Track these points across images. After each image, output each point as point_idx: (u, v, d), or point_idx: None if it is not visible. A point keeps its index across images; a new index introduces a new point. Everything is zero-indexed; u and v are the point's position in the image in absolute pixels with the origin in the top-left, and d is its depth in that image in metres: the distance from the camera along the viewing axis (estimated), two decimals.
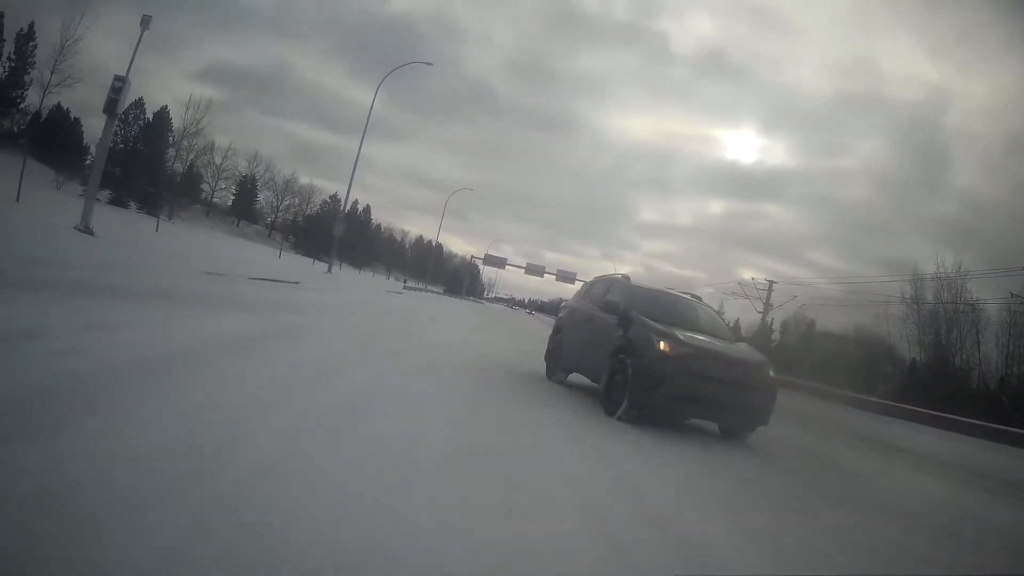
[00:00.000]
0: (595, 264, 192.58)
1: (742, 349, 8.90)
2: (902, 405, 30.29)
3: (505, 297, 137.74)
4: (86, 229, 17.47)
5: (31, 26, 59.18)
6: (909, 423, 25.79)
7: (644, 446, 6.66)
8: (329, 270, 37.07)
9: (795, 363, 42.48)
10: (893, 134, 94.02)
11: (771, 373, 8.53)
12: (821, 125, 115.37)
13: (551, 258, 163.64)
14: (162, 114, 70.01)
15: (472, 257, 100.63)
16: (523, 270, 75.46)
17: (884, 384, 41.33)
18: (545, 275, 72.68)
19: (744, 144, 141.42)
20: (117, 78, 19.28)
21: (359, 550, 2.76)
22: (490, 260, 77.45)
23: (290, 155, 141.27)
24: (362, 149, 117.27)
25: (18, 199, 25.05)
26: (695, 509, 4.70)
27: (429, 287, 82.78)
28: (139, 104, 68.45)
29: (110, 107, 19.54)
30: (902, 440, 16.40)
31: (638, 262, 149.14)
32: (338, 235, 37.24)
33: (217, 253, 27.41)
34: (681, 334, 8.16)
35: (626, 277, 10.34)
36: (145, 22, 19.61)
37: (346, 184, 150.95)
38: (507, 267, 76.58)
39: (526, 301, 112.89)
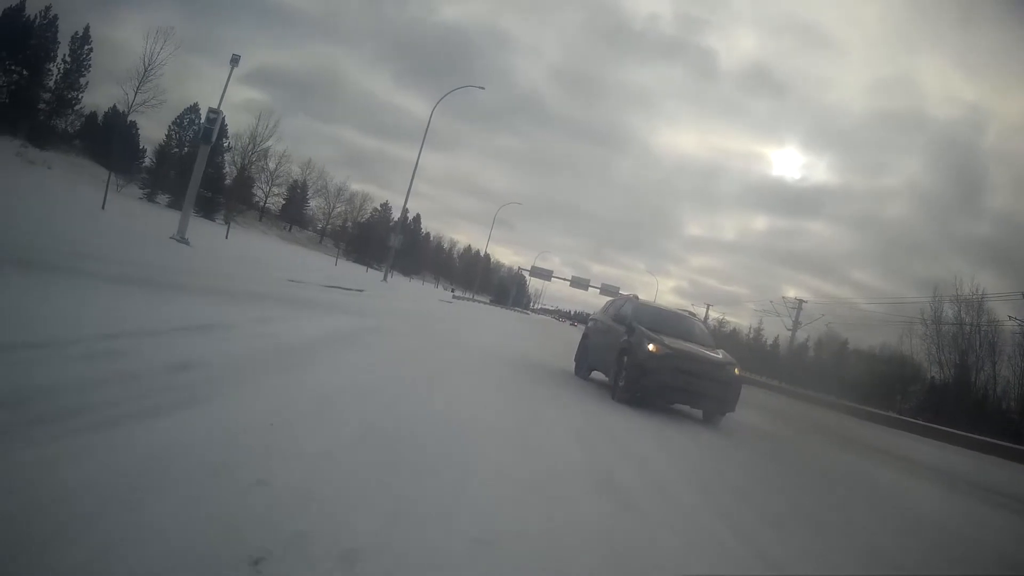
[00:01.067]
0: (641, 278, 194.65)
1: (717, 353, 11.42)
2: (906, 418, 32.14)
3: (551, 308, 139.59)
4: (183, 239, 20.32)
5: (86, 29, 61.90)
6: (908, 434, 27.74)
7: (634, 419, 9.21)
8: (385, 279, 39.79)
9: (820, 376, 44.46)
10: (932, 153, 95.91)
11: (736, 371, 11.12)
12: (862, 143, 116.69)
13: (597, 270, 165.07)
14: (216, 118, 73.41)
15: (519, 268, 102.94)
16: (568, 283, 77.55)
17: (898, 399, 43.02)
18: (590, 288, 74.73)
19: (788, 161, 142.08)
20: (212, 110, 22.28)
21: (464, 410, 5.26)
22: (536, 272, 79.71)
23: (337, 159, 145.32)
24: (410, 157, 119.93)
25: (103, 207, 27.98)
26: (657, 451, 7.26)
27: (476, 297, 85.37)
28: (194, 109, 70.90)
29: (206, 136, 22.50)
30: (876, 441, 18.52)
31: (683, 276, 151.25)
32: (394, 247, 40.13)
33: (286, 261, 30.37)
34: (667, 339, 10.79)
35: (635, 297, 13.45)
36: (234, 61, 22.49)
37: (392, 190, 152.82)
38: (553, 279, 78.73)
39: (571, 312, 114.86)
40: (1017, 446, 25.83)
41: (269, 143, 71.98)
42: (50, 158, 56.60)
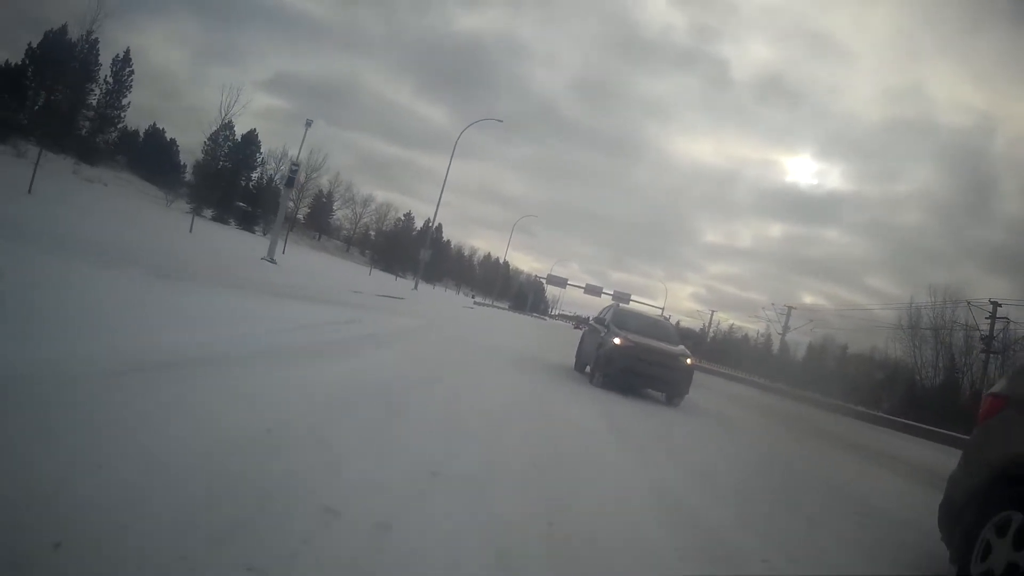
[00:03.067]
0: (659, 285, 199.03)
1: (676, 347, 14.39)
2: (881, 415, 36.67)
3: (570, 315, 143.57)
4: (272, 260, 26.53)
5: (127, 52, 68.51)
6: (876, 427, 31.96)
7: (600, 396, 12.60)
8: (416, 287, 46.02)
9: (807, 375, 50.20)
10: (944, 160, 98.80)
11: (688, 362, 14.27)
12: (874, 150, 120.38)
13: (617, 277, 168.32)
14: (250, 136, 79.96)
15: (536, 276, 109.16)
16: (583, 289, 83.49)
17: (881, 398, 47.78)
18: (603, 295, 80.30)
19: (802, 168, 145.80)
20: (294, 163, 28.95)
21: (489, 380, 11.27)
22: (552, 280, 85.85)
23: (356, 166, 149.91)
24: (430, 164, 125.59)
25: (191, 230, 34.21)
26: (625, 416, 12.41)
27: (496, 303, 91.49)
28: (228, 126, 77.18)
29: (289, 183, 28.93)
30: (825, 428, 22.61)
31: (701, 283, 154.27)
32: (424, 260, 46.49)
33: (338, 273, 36.57)
34: (632, 336, 13.86)
35: (617, 305, 18.19)
36: (308, 124, 29.04)
37: (413, 196, 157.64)
38: (568, 286, 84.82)
39: (578, 317, 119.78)
40: (964, 436, 29.86)
41: (318, 176, 77.54)
42: (102, 175, 62.28)
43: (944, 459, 14.31)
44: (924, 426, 32.85)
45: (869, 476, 12.21)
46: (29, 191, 25.74)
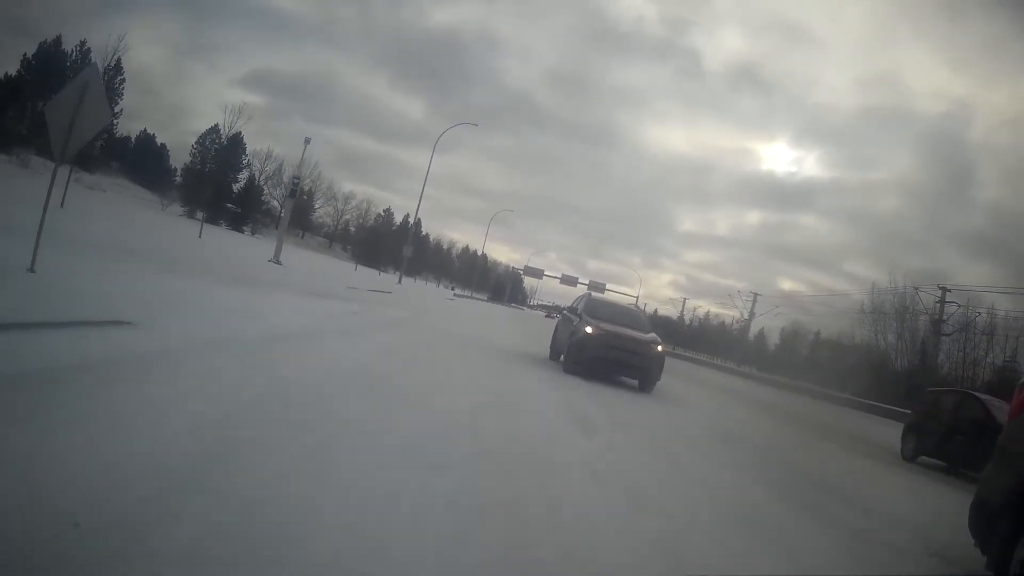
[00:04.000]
0: (636, 273, 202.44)
1: (647, 335, 14.80)
2: (843, 395, 40.82)
3: (549, 304, 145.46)
4: (278, 262, 30.79)
5: (118, 62, 71.20)
6: (837, 407, 35.40)
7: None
8: (400, 281, 50.39)
9: (774, 358, 54.54)
10: (920, 147, 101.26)
11: (659, 348, 14.71)
12: (850, 138, 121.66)
13: (594, 266, 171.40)
14: (236, 139, 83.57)
15: (512, 267, 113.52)
16: (559, 280, 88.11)
17: (846, 379, 51.92)
18: (578, 284, 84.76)
19: (777, 156, 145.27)
20: (295, 177, 33.24)
21: (473, 356, 15.76)
22: (529, 271, 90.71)
23: (334, 161, 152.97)
24: (405, 158, 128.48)
25: (200, 236, 38.30)
26: (597, 398, 15.22)
27: (475, 295, 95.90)
28: (215, 130, 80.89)
29: (292, 193, 33.31)
30: (791, 408, 27.24)
31: (680, 271, 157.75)
32: (407, 256, 50.88)
33: (332, 270, 40.94)
34: (603, 324, 14.27)
35: (589, 294, 19.53)
36: (307, 141, 33.45)
37: (390, 190, 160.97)
38: (544, 277, 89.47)
39: (562, 308, 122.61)
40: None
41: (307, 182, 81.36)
42: (100, 182, 65.33)
43: (894, 432, 17.39)
44: (885, 406, 35.96)
45: (816, 449, 14.76)
46: (62, 205, 29.59)
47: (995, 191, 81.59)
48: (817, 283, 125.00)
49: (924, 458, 15.39)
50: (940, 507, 9.80)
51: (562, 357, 15.74)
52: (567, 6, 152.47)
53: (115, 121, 74.03)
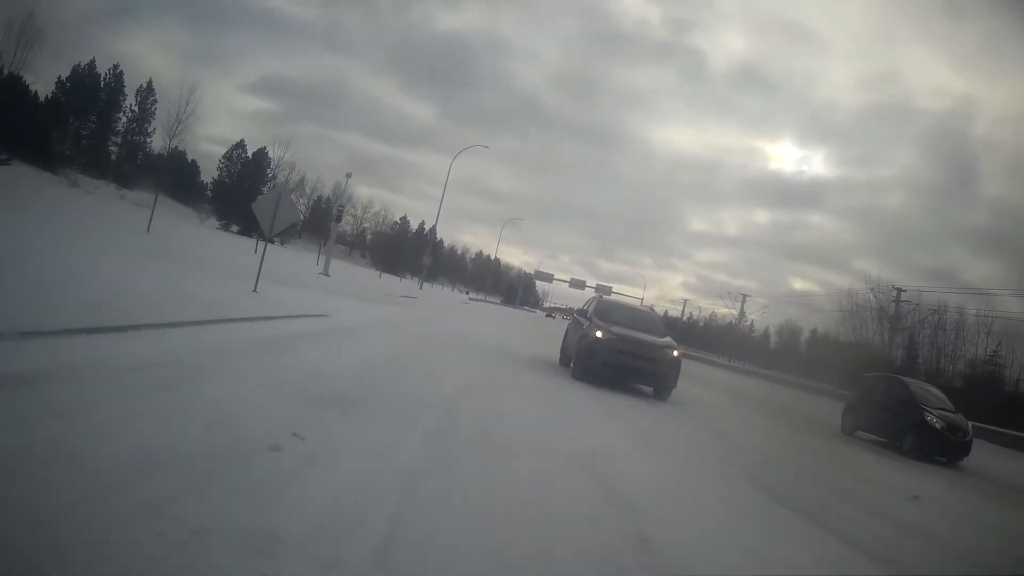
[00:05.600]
0: (649, 274, 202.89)
1: (662, 339, 14.37)
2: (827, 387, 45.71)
3: (563, 307, 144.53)
4: (327, 274, 37.94)
5: (149, 83, 78.39)
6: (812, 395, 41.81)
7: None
8: (420, 287, 57.57)
9: (773, 354, 60.86)
10: (924, 144, 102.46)
11: (675, 353, 14.12)
12: (855, 136, 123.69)
13: (607, 268, 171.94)
14: (260, 153, 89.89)
15: (524, 271, 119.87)
16: (568, 284, 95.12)
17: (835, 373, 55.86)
18: (586, 288, 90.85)
19: (784, 155, 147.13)
20: (339, 206, 40.18)
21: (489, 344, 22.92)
22: (539, 275, 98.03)
23: (345, 165, 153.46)
24: (416, 160, 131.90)
25: (255, 251, 45.46)
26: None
27: (488, 298, 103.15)
28: (241, 145, 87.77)
29: (337, 218, 40.40)
30: (770, 395, 34.33)
31: (691, 271, 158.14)
32: (427, 264, 58.02)
33: (366, 279, 48.20)
34: (614, 327, 13.94)
35: (600, 295, 19.55)
36: (348, 176, 40.69)
37: (401, 194, 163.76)
38: (554, 281, 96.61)
39: (572, 310, 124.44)
40: None
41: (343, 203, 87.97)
42: (141, 198, 71.49)
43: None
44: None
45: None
46: (148, 230, 36.55)
47: (999, 185, 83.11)
48: (828, 282, 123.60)
49: (860, 432, 17.77)
50: (848, 464, 12.89)
51: (570, 361, 15.48)
52: (570, 10, 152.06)
53: (148, 139, 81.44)
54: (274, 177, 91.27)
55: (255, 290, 14.92)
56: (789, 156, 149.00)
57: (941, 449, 15.76)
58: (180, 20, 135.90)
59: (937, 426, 15.57)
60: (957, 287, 52.32)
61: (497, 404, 9.47)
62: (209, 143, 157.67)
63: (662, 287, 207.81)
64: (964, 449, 15.94)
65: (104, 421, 4.36)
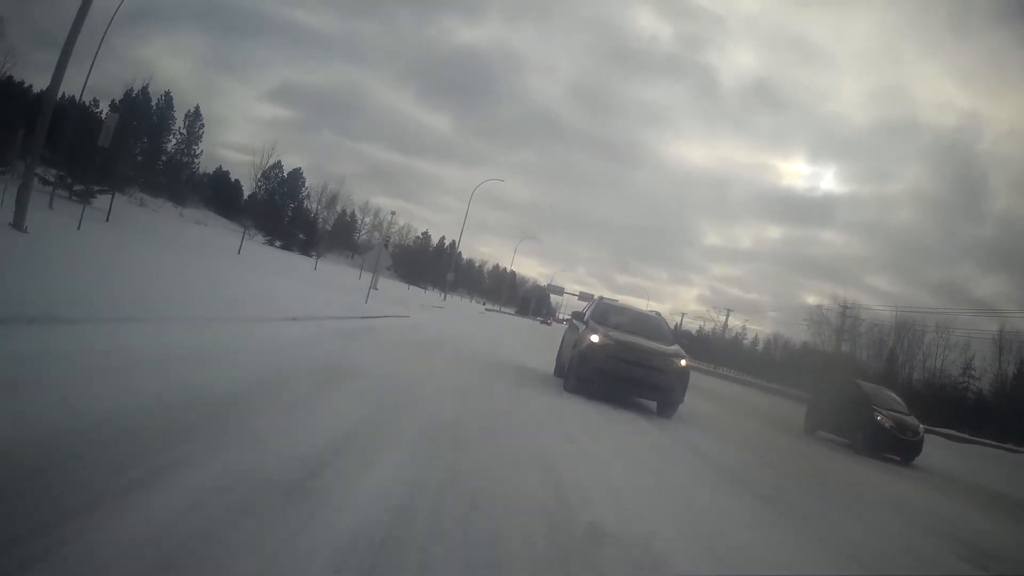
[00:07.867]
0: (665, 287, 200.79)
1: (668, 347, 13.02)
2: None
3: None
4: (376, 288, 48.80)
5: (197, 108, 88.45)
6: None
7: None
8: (444, 299, 68.20)
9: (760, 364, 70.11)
10: (932, 160, 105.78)
11: (683, 363, 12.65)
12: (864, 152, 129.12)
13: (623, 281, 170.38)
14: (295, 173, 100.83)
15: (538, 283, 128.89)
16: (577, 297, 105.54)
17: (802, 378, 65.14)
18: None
19: (795, 171, 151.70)
20: (386, 238, 50.94)
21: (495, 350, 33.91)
22: (552, 288, 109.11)
23: (363, 174, 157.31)
24: (433, 171, 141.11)
25: (315, 268, 56.33)
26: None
27: (503, 309, 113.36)
28: (278, 165, 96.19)
29: (385, 244, 51.27)
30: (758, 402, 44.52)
31: (706, 285, 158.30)
32: (451, 280, 68.67)
33: (399, 291, 59.19)
34: (613, 332, 12.71)
35: (601, 297, 17.83)
36: (392, 215, 51.75)
37: (418, 204, 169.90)
38: (564, 294, 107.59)
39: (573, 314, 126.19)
40: None
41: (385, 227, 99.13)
42: (196, 215, 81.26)
43: None
44: None
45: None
46: (239, 252, 46.81)
47: (1007, 200, 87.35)
48: (840, 297, 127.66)
49: (821, 432, 18.90)
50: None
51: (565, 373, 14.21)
52: (585, 26, 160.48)
53: (196, 160, 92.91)
54: (308, 195, 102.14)
55: (367, 301, 25.87)
56: (801, 172, 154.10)
57: (891, 447, 16.57)
58: (199, 27, 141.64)
59: (886, 425, 16.48)
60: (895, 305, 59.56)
61: (517, 343, 20.10)
62: (227, 149, 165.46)
63: (677, 300, 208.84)
64: (915, 448, 16.82)
65: (391, 339, 15.38)
